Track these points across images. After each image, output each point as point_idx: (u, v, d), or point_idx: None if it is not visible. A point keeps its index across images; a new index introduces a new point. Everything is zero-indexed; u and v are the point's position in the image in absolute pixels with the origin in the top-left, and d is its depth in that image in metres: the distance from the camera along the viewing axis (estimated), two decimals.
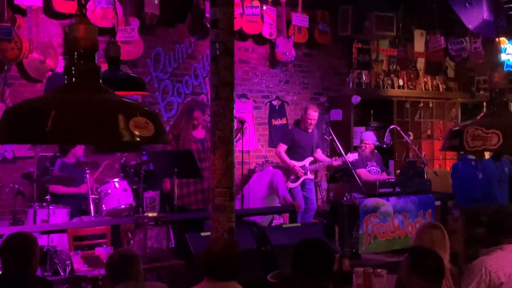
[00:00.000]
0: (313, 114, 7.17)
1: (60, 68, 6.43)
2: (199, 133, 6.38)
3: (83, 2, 1.99)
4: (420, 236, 3.31)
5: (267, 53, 8.28)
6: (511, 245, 3.37)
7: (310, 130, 7.24)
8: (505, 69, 9.36)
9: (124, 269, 2.88)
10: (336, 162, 7.15)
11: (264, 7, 7.82)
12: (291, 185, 7.16)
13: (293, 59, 8.25)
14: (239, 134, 6.51)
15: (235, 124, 4.14)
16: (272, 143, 8.24)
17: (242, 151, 6.69)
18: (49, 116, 1.78)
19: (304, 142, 7.27)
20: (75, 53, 1.96)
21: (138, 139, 1.81)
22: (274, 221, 6.99)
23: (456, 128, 3.06)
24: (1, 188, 6.13)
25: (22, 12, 6.21)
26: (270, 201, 6.87)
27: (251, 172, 7.83)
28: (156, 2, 6.92)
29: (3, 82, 6.22)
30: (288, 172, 7.08)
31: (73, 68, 1.96)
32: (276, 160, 7.93)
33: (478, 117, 3.21)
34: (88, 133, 1.79)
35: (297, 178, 7.21)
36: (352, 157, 6.99)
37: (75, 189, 6.05)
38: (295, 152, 7.26)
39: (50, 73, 6.42)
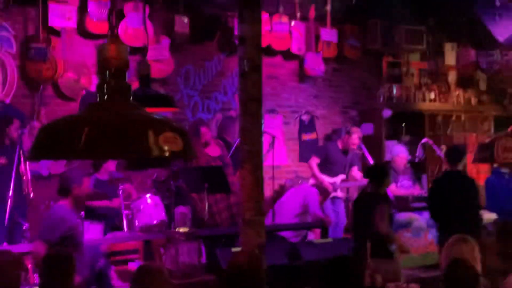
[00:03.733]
0: (357, 141, 7.24)
1: (94, 87, 6.57)
2: (214, 150, 6.46)
3: (113, 24, 2.07)
4: (449, 250, 3.28)
5: (296, 68, 8.31)
6: None
7: (349, 153, 7.29)
8: None
9: (144, 282, 2.92)
10: None
11: (293, 23, 7.87)
12: None
13: (322, 74, 8.26)
14: (268, 147, 6.56)
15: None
16: (302, 158, 8.24)
17: (273, 166, 6.72)
18: (83, 133, 1.85)
19: (338, 159, 7.29)
20: (107, 72, 2.03)
21: (167, 153, 1.86)
22: (308, 238, 6.98)
23: (487, 141, 3.05)
24: (37, 205, 6.26)
25: (57, 33, 6.39)
26: (302, 219, 6.85)
27: (282, 187, 7.83)
28: (185, 21, 7.05)
29: (39, 102, 6.40)
30: (325, 191, 7.06)
31: (104, 86, 2.03)
32: (306, 175, 7.93)
33: (509, 129, 3.18)
34: (120, 148, 1.85)
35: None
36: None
37: (108, 202, 6.15)
38: (327, 168, 7.29)
39: (84, 92, 6.57)
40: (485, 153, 2.99)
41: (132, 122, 1.91)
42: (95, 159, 5.23)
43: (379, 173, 5.22)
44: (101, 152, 1.87)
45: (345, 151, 7.32)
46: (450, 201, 5.44)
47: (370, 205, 5.04)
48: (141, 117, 1.97)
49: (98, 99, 2.05)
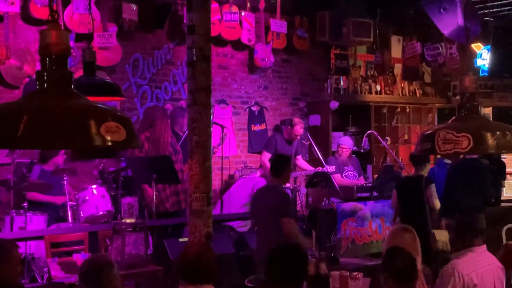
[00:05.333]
0: (300, 131, 7.37)
1: None
2: None
3: (54, 8, 2.01)
4: (392, 239, 3.36)
5: (246, 58, 8.32)
6: (481, 247, 3.42)
7: (294, 142, 7.42)
8: (480, 74, 9.52)
9: (95, 277, 2.87)
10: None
11: (243, 13, 7.86)
12: None
13: (271, 64, 8.30)
14: (219, 140, 6.59)
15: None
16: (252, 149, 8.28)
17: (222, 157, 6.72)
18: (21, 121, 1.80)
19: (285, 151, 7.40)
20: (47, 58, 1.98)
21: (109, 143, 1.83)
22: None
23: (428, 132, 3.12)
24: None
25: None
26: None
27: (231, 177, 7.84)
28: (134, 8, 6.93)
29: None
30: None
31: (44, 73, 1.98)
32: (255, 165, 7.97)
33: (450, 121, 3.27)
34: (60, 138, 1.81)
35: None
36: (330, 169, 7.17)
37: (52, 198, 6.01)
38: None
39: (27, 79, 6.39)
40: (426, 145, 3.04)
41: (73, 111, 1.86)
42: (35, 149, 5.09)
43: (422, 159, 5.77)
44: (40, 142, 1.82)
45: (289, 141, 7.44)
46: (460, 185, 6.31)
47: (416, 187, 5.67)
48: (82, 106, 1.93)
49: (38, 87, 1.99)
